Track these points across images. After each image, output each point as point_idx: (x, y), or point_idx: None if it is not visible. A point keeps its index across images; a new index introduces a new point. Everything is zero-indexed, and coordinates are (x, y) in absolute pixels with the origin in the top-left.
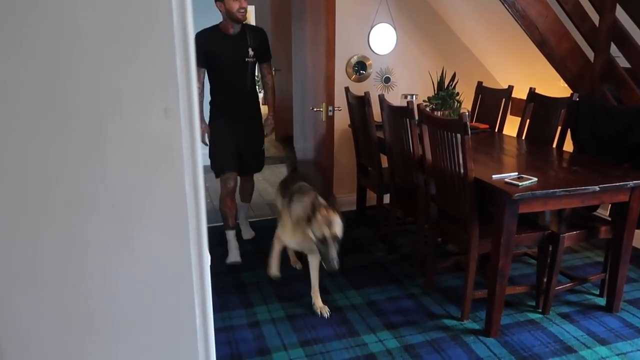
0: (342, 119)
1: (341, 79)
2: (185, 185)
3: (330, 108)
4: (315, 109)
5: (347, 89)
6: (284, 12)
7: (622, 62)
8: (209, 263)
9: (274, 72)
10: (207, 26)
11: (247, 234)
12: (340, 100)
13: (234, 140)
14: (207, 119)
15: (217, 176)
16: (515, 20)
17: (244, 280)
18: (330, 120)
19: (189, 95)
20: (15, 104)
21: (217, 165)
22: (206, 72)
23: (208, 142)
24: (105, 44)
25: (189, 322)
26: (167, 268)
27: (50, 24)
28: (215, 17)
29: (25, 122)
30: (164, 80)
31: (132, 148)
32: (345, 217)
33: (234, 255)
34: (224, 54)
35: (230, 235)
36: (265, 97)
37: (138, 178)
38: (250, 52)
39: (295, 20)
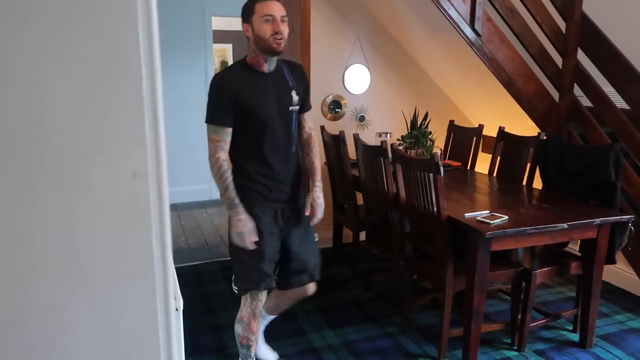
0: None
1: (317, 117)
2: (152, 246)
3: None
4: None
5: (322, 128)
6: None
7: (585, 101)
8: (182, 307)
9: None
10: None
11: (270, 355)
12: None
13: (275, 238)
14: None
15: (243, 291)
16: (484, 62)
17: (218, 322)
18: None
19: (157, 157)
20: None
21: (250, 277)
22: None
23: (248, 244)
24: (73, 108)
25: None
26: (133, 326)
27: (19, 88)
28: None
29: None
30: (132, 143)
31: (99, 209)
32: (322, 254)
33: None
34: (261, 102)
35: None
36: (305, 161)
37: (105, 239)
38: (295, 97)
39: None
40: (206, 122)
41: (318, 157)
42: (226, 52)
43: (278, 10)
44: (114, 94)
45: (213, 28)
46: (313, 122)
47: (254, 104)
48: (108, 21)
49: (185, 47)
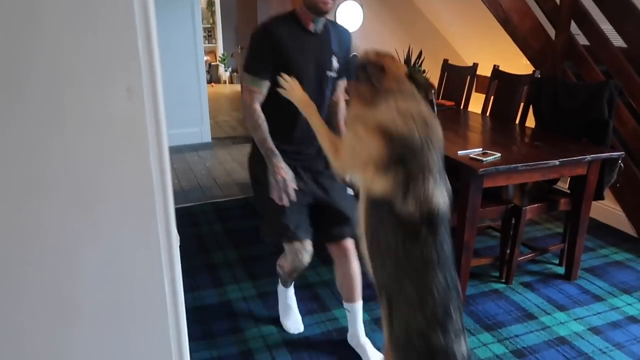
0: None
1: None
2: (151, 168)
3: None
4: None
5: None
6: None
7: (582, 40)
8: (178, 243)
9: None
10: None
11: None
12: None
13: (306, 191)
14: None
15: (280, 242)
16: None
17: (214, 260)
18: None
19: (152, 75)
20: None
21: (284, 226)
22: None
23: (290, 191)
24: (62, 21)
25: (159, 302)
26: (135, 250)
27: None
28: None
29: None
30: (125, 59)
31: (94, 129)
32: None
33: (290, 321)
34: (304, 60)
35: (284, 293)
36: (331, 123)
37: (101, 160)
38: (335, 64)
39: (260, 3)
40: (245, 71)
41: (342, 120)
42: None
43: None
44: (103, 5)
45: None
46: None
47: (293, 60)
48: None
49: None
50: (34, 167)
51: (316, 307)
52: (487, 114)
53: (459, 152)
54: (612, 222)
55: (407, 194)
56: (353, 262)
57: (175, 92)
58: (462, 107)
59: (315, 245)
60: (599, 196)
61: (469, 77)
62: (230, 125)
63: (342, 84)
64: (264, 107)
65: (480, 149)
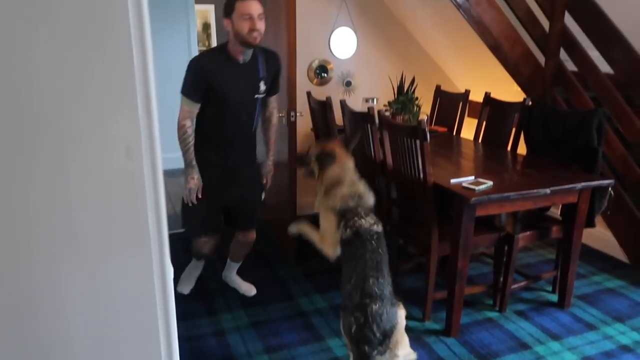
0: (304, 123)
1: (302, 83)
2: (148, 222)
3: (292, 113)
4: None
5: (309, 94)
6: None
7: (571, 66)
8: (172, 276)
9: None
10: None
11: (247, 288)
12: (301, 104)
13: (224, 193)
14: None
15: (190, 238)
16: (471, 26)
17: (207, 287)
18: (292, 124)
19: (150, 135)
20: None
21: (192, 225)
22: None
23: (193, 199)
24: (63, 84)
25: (152, 336)
26: (130, 295)
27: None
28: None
29: None
30: (126, 121)
31: (95, 186)
32: (310, 220)
33: (185, 284)
34: (229, 88)
35: (194, 265)
36: (264, 136)
37: (101, 215)
38: (262, 87)
39: None
40: (181, 92)
41: (274, 134)
42: (208, 14)
43: (255, 9)
44: (106, 69)
45: None
46: (277, 102)
47: (224, 89)
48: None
49: (166, 8)
50: (36, 221)
51: (309, 337)
52: (480, 139)
53: (451, 180)
54: (603, 248)
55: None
56: (250, 242)
57: (170, 115)
58: (454, 133)
59: (310, 273)
60: (590, 223)
61: (461, 104)
62: None
63: (273, 99)
64: (203, 123)
65: (473, 177)
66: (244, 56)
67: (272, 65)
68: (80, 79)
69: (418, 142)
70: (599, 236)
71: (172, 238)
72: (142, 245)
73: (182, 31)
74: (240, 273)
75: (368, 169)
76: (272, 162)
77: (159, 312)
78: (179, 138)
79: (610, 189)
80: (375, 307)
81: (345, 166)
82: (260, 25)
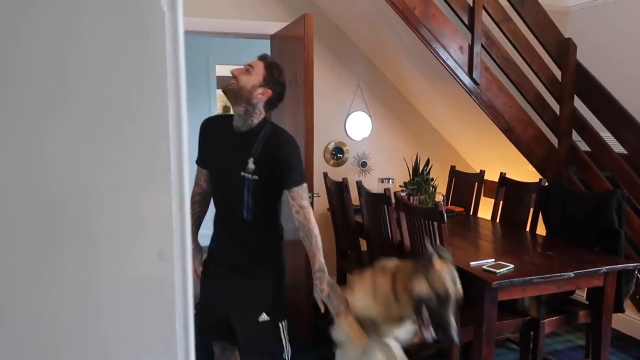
0: (321, 203)
1: (319, 164)
2: (175, 326)
3: (309, 195)
4: None
5: (325, 175)
6: None
7: (584, 146)
8: None
9: (310, 200)
10: None
11: None
12: (318, 184)
13: (221, 297)
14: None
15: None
16: (483, 110)
17: None
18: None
19: (182, 240)
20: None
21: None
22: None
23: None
24: (103, 194)
25: None
26: None
27: (51, 175)
28: None
29: (21, 271)
30: (159, 225)
31: (124, 288)
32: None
33: None
34: (215, 154)
35: None
36: (303, 242)
37: (129, 319)
38: (250, 165)
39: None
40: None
41: (316, 242)
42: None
43: (248, 63)
44: (143, 176)
45: (217, 74)
46: (307, 199)
47: (209, 155)
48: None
49: (190, 92)
50: (64, 327)
51: None
52: (497, 220)
53: (471, 262)
54: (636, 333)
55: None
56: None
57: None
58: (471, 213)
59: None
60: (619, 308)
61: (476, 184)
62: None
63: (296, 194)
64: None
65: (493, 260)
66: (238, 122)
67: (273, 147)
68: (119, 184)
69: (435, 223)
70: (632, 322)
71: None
72: (169, 349)
73: (203, 113)
74: None
75: (385, 249)
76: (319, 279)
77: None
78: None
79: (636, 272)
80: None
81: None
82: (240, 72)
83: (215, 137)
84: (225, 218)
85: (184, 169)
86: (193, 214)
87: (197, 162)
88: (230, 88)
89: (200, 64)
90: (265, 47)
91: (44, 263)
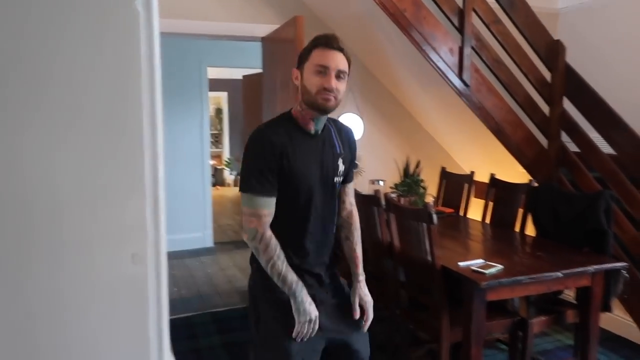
0: None
1: None
2: (149, 330)
3: None
4: None
5: None
6: (255, 100)
7: (573, 147)
8: None
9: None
10: None
11: None
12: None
13: (323, 329)
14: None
15: None
16: (473, 111)
17: None
18: None
19: (157, 242)
20: None
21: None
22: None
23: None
24: (75, 197)
25: None
26: None
27: (23, 183)
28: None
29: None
30: (133, 229)
31: (98, 292)
32: None
33: None
34: (306, 167)
35: None
36: (344, 245)
37: (103, 320)
38: (341, 167)
39: (266, 111)
40: (245, 191)
41: (360, 243)
42: (221, 100)
43: (335, 63)
44: (116, 179)
45: (209, 77)
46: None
47: (298, 169)
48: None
49: (182, 95)
50: (39, 327)
51: None
52: (487, 220)
53: (460, 263)
54: (624, 333)
55: None
56: None
57: (180, 197)
58: (461, 214)
59: None
60: (606, 308)
61: (466, 185)
62: (233, 230)
63: (350, 190)
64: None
65: (482, 260)
66: (315, 124)
67: (347, 140)
68: (93, 187)
69: (425, 225)
70: (619, 321)
71: (173, 324)
72: (143, 348)
73: (196, 116)
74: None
75: (376, 250)
76: (364, 283)
77: None
78: (268, 259)
79: (624, 271)
80: None
81: None
82: (339, 85)
83: (294, 149)
84: (314, 235)
85: (159, 172)
86: (284, 259)
87: (268, 193)
88: (332, 105)
89: (192, 66)
90: (256, 50)
91: (16, 266)
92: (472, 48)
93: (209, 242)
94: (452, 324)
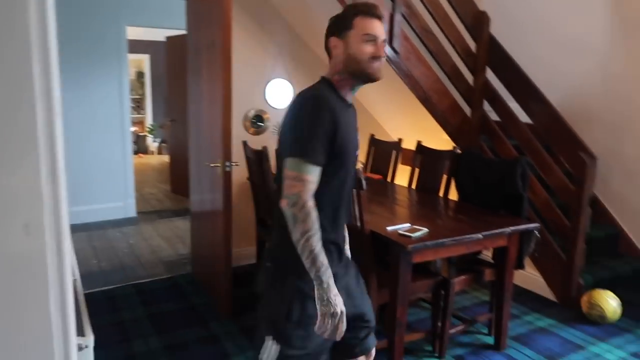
0: (241, 172)
1: (238, 132)
2: (51, 315)
3: (227, 164)
4: (211, 165)
5: (244, 143)
6: (179, 64)
7: (494, 116)
8: (92, 344)
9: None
10: None
11: None
12: (238, 153)
13: (348, 302)
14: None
15: None
16: (402, 79)
17: (134, 350)
18: (227, 175)
19: (55, 210)
20: None
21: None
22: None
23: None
24: None
25: None
26: None
27: None
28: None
29: None
30: (25, 195)
31: None
32: (246, 270)
33: None
34: (349, 136)
35: None
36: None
37: None
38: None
39: (191, 74)
40: (296, 156)
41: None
42: (142, 63)
43: (381, 31)
44: (1, 138)
45: (128, 37)
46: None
47: (344, 140)
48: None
49: (98, 57)
50: None
51: None
52: (413, 186)
53: (387, 227)
54: (533, 287)
55: None
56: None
57: (98, 165)
58: (389, 180)
59: (247, 328)
60: (520, 265)
61: (394, 152)
62: (156, 198)
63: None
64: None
65: (408, 224)
66: (353, 94)
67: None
68: None
69: (354, 190)
70: (530, 277)
71: (93, 297)
72: (44, 336)
73: (114, 80)
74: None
75: None
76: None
77: None
78: (303, 232)
79: (536, 231)
80: None
81: None
82: (384, 52)
83: (344, 120)
84: (346, 208)
85: (56, 130)
86: (320, 236)
87: (317, 161)
88: (382, 74)
89: (109, 25)
90: (179, 7)
91: None
92: (402, 15)
93: (131, 212)
94: (379, 285)
